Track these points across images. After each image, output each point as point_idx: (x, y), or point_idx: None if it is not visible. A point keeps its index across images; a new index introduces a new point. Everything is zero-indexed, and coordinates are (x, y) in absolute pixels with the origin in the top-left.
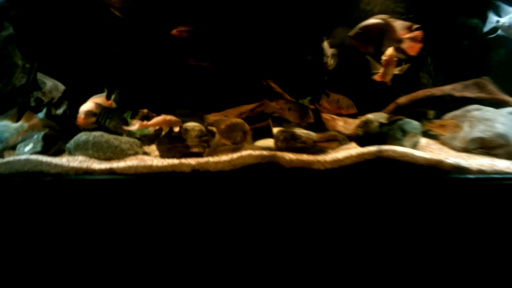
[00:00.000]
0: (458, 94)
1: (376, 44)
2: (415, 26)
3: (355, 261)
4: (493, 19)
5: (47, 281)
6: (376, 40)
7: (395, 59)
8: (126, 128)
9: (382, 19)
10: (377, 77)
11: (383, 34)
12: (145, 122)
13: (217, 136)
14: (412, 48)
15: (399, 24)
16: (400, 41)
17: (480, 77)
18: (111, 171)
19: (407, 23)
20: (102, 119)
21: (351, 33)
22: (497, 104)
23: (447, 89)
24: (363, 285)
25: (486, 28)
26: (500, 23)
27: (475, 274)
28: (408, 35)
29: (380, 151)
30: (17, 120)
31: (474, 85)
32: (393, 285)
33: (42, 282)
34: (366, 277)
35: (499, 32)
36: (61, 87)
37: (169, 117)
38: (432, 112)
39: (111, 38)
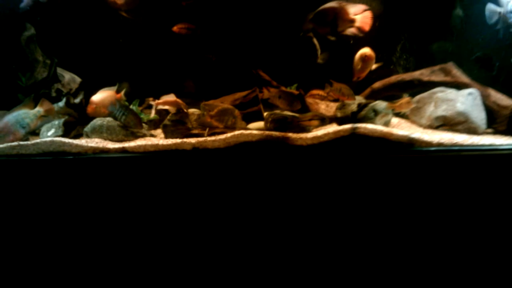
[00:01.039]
0: (425, 78)
1: (332, 26)
2: (365, 8)
3: (333, 222)
4: (495, 10)
5: (72, 241)
6: (332, 22)
7: (374, 56)
8: (150, 116)
9: (336, 3)
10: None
11: (338, 16)
12: (161, 100)
13: (206, 117)
14: (363, 27)
15: (350, 7)
16: (352, 21)
17: (445, 63)
18: (123, 150)
19: (358, 6)
20: (118, 115)
21: (310, 16)
22: (460, 86)
23: (416, 74)
24: (343, 248)
25: (492, 20)
26: (502, 13)
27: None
28: (359, 16)
29: (353, 128)
30: (34, 107)
31: (440, 70)
32: (368, 247)
33: (67, 242)
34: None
35: (500, 21)
36: (78, 79)
37: (178, 100)
38: (406, 95)
39: (120, 36)
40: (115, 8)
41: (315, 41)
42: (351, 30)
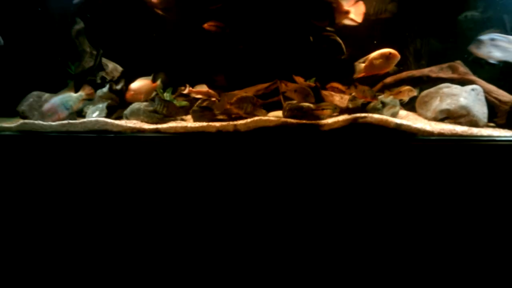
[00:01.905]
0: (434, 75)
1: (330, 18)
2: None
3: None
4: None
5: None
6: (330, 15)
7: (398, 56)
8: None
9: None
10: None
11: (334, 9)
12: (195, 89)
13: (225, 104)
14: (358, 16)
15: (344, 0)
16: (347, 12)
17: (454, 61)
18: (157, 131)
19: None
20: (159, 108)
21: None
22: (465, 83)
23: (425, 71)
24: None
25: None
26: None
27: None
28: (353, 7)
29: (360, 118)
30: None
31: (448, 68)
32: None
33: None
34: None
35: None
36: (120, 68)
37: (210, 90)
38: (417, 90)
39: (155, 31)
40: (151, 6)
41: (337, 38)
42: (347, 21)
